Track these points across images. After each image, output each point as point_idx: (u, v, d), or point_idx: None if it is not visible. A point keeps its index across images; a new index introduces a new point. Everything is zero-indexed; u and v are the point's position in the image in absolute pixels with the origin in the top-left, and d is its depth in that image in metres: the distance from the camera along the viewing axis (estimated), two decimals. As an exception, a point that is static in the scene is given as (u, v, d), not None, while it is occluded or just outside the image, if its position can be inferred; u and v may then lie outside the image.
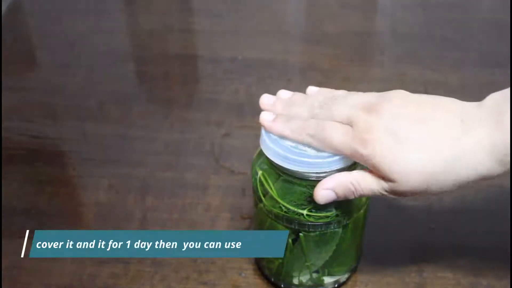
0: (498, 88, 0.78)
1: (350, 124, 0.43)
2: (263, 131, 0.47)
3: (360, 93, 0.47)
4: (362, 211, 0.49)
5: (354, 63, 0.81)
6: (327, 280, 0.53)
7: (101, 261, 0.57)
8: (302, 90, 0.76)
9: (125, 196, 0.63)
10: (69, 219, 0.62)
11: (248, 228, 0.60)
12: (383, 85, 0.76)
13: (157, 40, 0.85)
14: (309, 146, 0.44)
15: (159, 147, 0.69)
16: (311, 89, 0.50)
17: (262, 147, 0.47)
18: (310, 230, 0.47)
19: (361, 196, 0.45)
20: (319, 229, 0.47)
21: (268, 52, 0.82)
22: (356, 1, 0.93)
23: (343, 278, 0.54)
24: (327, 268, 0.51)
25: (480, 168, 0.41)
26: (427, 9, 0.90)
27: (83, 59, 0.82)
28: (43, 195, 0.64)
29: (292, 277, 0.52)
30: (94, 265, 0.57)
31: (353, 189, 0.44)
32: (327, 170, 0.45)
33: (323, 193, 0.44)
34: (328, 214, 0.46)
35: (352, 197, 0.45)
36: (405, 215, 0.61)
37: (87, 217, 0.62)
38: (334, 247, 0.49)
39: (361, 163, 0.43)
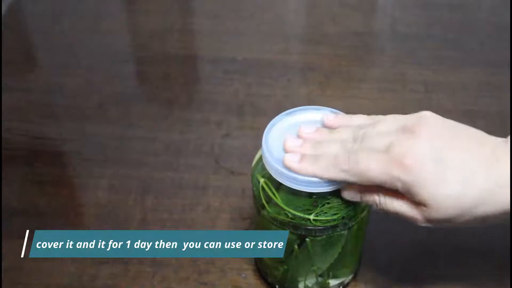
0: (498, 88, 0.78)
1: (385, 150, 0.42)
2: (264, 148, 0.46)
3: (388, 117, 0.45)
4: (365, 212, 0.49)
5: (354, 63, 0.81)
6: (333, 282, 0.53)
7: (101, 261, 0.57)
8: (302, 90, 0.76)
9: (125, 196, 0.63)
10: (69, 219, 0.62)
11: (248, 228, 0.60)
12: (383, 85, 0.76)
13: (157, 40, 0.85)
14: (345, 181, 0.44)
15: (159, 147, 0.69)
16: (328, 118, 0.47)
17: (266, 165, 0.46)
18: (317, 234, 0.47)
19: (382, 211, 0.45)
20: (326, 233, 0.47)
21: (268, 52, 0.82)
22: (356, 1, 0.93)
23: (347, 279, 0.54)
24: (332, 271, 0.51)
25: (506, 204, 0.41)
26: (427, 9, 0.90)
27: (83, 59, 0.82)
28: (43, 196, 0.64)
29: (297, 282, 0.52)
30: (94, 265, 0.57)
31: (377, 202, 0.44)
32: (332, 188, 0.45)
33: (349, 192, 0.45)
34: (335, 217, 0.46)
35: (373, 207, 0.45)
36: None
37: (87, 217, 0.62)
38: (339, 250, 0.49)
39: (398, 189, 0.42)
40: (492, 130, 0.71)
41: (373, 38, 0.87)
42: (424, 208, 0.42)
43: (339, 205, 0.46)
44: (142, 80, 0.81)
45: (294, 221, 0.46)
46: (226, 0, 0.93)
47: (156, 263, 0.57)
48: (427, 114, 0.44)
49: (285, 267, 0.51)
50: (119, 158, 0.68)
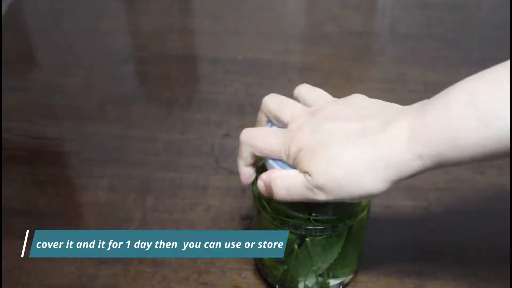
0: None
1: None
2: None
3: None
4: (365, 211, 0.49)
5: (354, 63, 0.81)
6: (333, 282, 0.53)
7: (101, 261, 0.57)
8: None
9: (125, 196, 0.63)
10: (69, 219, 0.62)
11: (248, 228, 0.60)
12: (383, 85, 0.77)
13: (157, 40, 0.85)
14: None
15: (159, 147, 0.69)
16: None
17: (266, 165, 0.47)
18: (317, 234, 0.47)
19: (287, 197, 0.44)
20: (326, 233, 0.47)
21: (268, 52, 0.82)
22: (356, 1, 0.93)
23: (347, 279, 0.54)
24: (332, 270, 0.51)
25: (399, 162, 0.40)
26: (427, 9, 0.90)
27: (83, 59, 0.82)
28: (43, 196, 0.64)
29: (297, 282, 0.52)
30: (94, 265, 0.57)
31: (275, 189, 0.44)
32: None
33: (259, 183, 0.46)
34: (334, 217, 0.46)
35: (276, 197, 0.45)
36: (405, 215, 0.61)
37: (87, 217, 0.62)
38: (339, 250, 0.49)
39: (288, 158, 0.44)
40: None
41: (373, 38, 0.87)
42: (309, 177, 0.42)
43: (339, 204, 0.46)
44: (142, 80, 0.81)
45: (294, 221, 0.46)
46: (226, 0, 0.93)
47: (156, 263, 0.57)
48: (351, 97, 0.46)
49: (285, 267, 0.51)
50: (119, 158, 0.68)
